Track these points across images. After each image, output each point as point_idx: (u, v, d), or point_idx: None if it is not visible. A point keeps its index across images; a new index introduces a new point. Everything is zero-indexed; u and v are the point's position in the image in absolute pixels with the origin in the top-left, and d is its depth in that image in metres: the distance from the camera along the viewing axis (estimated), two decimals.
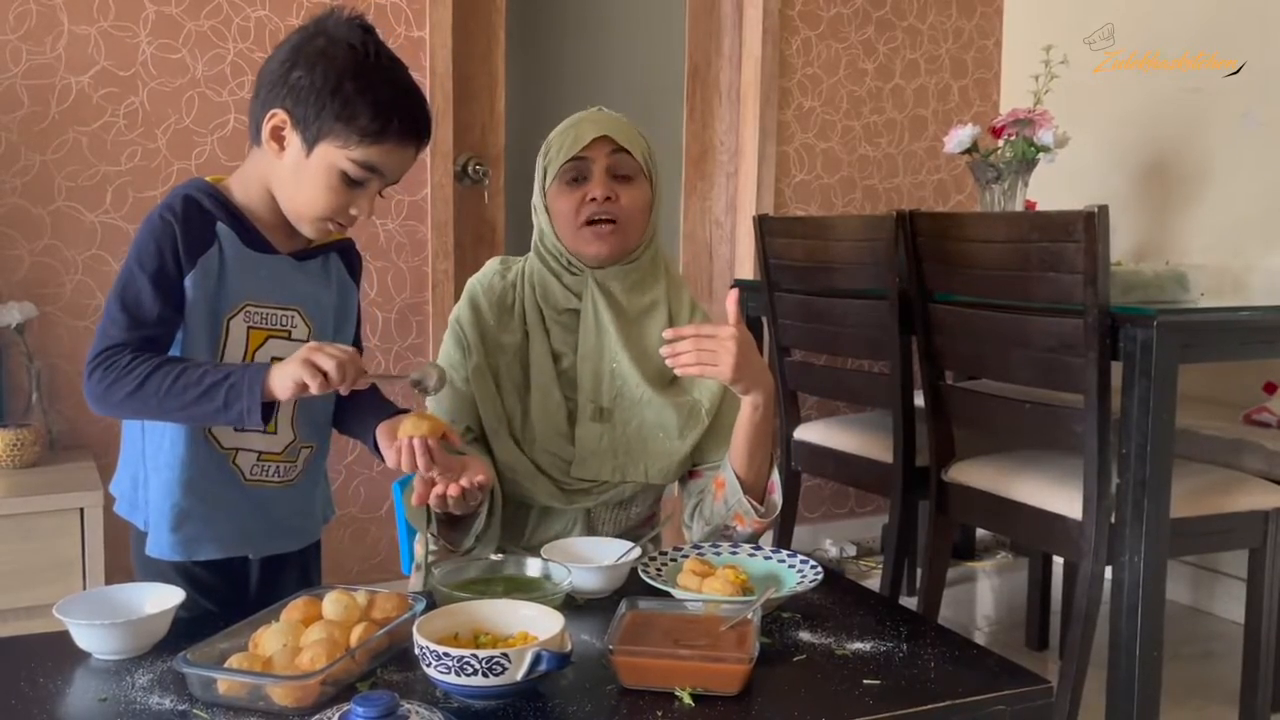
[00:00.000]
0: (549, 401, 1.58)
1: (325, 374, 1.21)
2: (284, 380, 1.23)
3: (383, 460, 1.41)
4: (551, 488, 1.57)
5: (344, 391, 1.26)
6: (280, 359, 1.28)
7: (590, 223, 1.55)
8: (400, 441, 1.32)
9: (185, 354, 1.32)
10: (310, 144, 1.29)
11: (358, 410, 1.47)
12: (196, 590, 1.36)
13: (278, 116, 1.30)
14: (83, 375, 1.29)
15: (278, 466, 1.41)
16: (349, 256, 1.49)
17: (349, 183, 1.30)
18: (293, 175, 1.31)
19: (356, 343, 1.50)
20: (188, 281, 1.30)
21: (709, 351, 1.40)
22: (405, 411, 1.43)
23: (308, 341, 1.36)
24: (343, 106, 1.26)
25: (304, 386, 1.21)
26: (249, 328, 1.35)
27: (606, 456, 1.57)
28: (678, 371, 1.44)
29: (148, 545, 1.36)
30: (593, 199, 1.54)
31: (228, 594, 1.41)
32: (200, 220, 1.32)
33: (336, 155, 1.28)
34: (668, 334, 1.43)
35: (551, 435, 1.57)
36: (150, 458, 1.36)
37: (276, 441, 1.40)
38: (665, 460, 1.59)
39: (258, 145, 1.34)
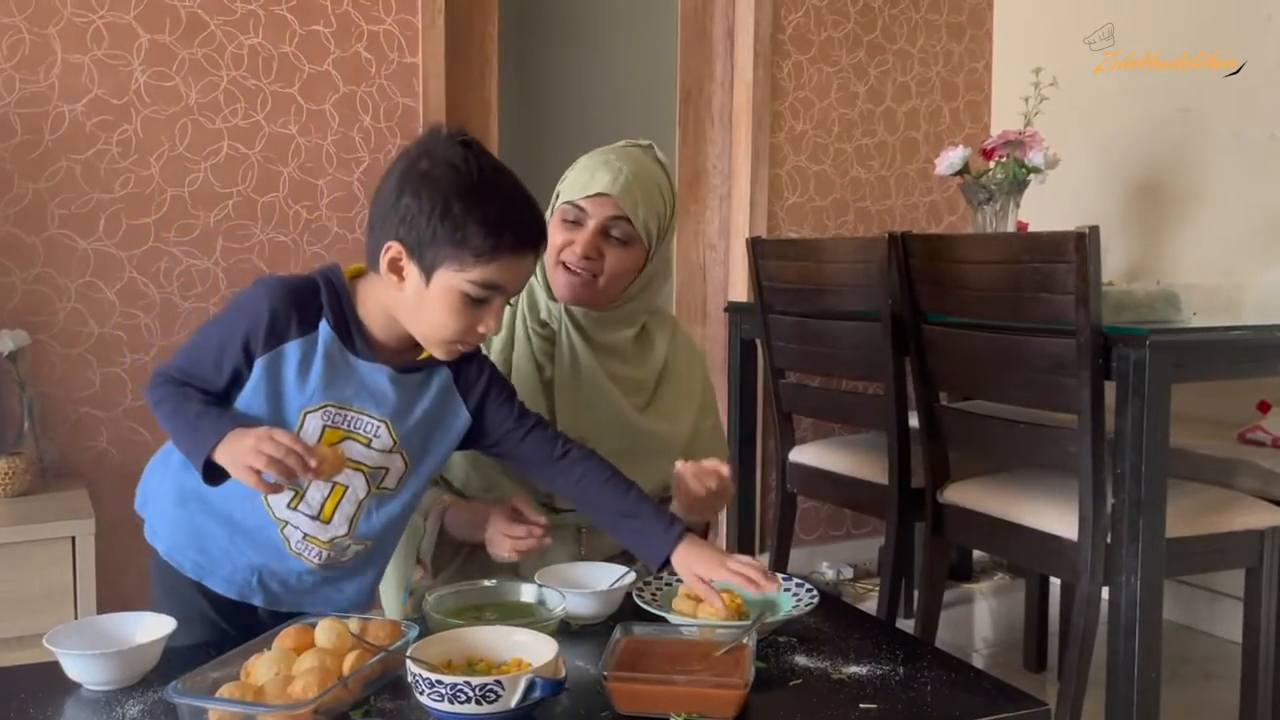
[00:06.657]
0: (535, 409, 1.57)
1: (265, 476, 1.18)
2: (232, 466, 1.22)
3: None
4: (534, 499, 1.56)
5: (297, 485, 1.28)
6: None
7: (567, 266, 1.56)
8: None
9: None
10: (428, 273, 1.25)
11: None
12: (214, 607, 1.37)
13: (394, 249, 1.26)
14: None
15: (320, 551, 1.35)
16: (461, 367, 1.38)
17: (472, 303, 1.27)
18: (416, 303, 1.28)
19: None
20: (258, 364, 1.27)
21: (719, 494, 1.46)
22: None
23: (391, 453, 1.34)
24: (453, 230, 1.23)
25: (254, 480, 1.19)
26: (325, 426, 1.30)
27: None
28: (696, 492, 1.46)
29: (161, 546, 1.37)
30: (575, 251, 1.55)
31: (246, 612, 1.39)
32: (300, 311, 1.28)
33: (455, 279, 1.25)
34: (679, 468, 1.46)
35: None
36: (187, 479, 1.33)
37: (324, 530, 1.33)
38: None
39: (375, 273, 1.30)
